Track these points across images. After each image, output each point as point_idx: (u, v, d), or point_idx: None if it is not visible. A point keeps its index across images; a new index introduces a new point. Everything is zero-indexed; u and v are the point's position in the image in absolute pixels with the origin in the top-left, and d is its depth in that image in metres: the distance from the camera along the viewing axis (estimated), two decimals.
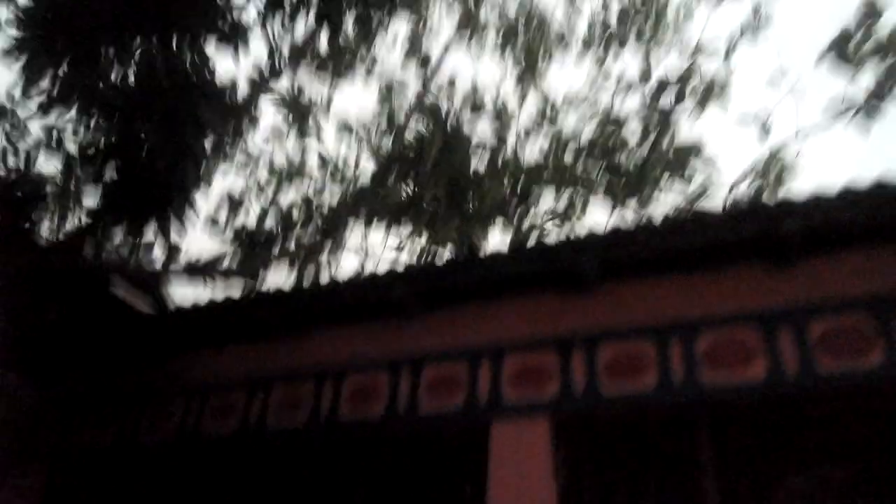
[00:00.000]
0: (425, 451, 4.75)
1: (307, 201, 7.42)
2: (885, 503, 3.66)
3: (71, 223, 5.54)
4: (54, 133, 5.42)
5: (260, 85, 6.40)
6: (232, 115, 4.92)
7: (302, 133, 7.55)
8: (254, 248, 6.56)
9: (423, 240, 7.24)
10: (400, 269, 4.99)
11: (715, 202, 6.35)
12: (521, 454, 4.29)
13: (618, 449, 4.36)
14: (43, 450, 5.76)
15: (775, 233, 4.15)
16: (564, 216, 6.86)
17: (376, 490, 4.76)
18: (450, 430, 4.62)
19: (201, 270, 5.89)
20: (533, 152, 6.90)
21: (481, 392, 4.59)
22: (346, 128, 7.70)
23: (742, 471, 4.02)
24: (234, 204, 7.19)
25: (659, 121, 6.22)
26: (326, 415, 4.98)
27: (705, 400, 4.10)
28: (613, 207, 6.52)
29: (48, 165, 5.83)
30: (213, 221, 7.31)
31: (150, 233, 4.94)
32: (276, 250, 6.70)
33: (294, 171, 7.68)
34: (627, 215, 6.65)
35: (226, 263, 6.30)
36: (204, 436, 5.26)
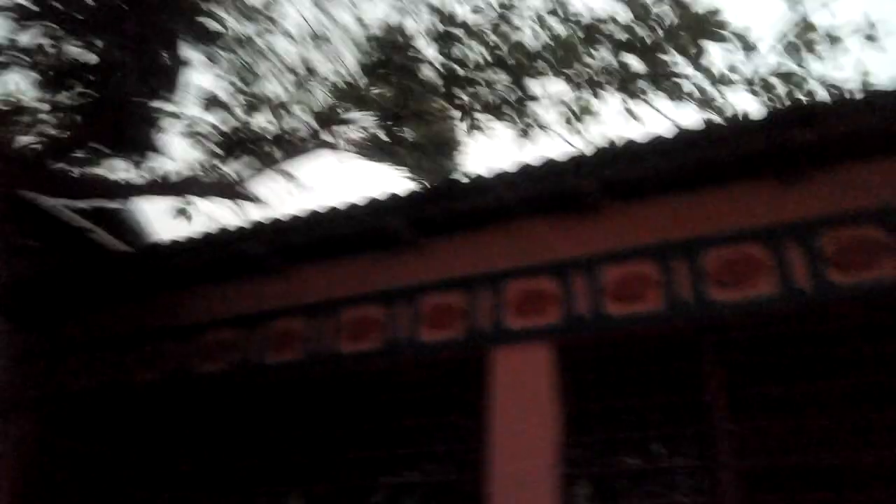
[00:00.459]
0: (425, 381, 4.64)
1: (289, 102, 6.89)
2: None
3: (41, 144, 5.22)
4: (22, 51, 5.05)
5: None
6: (204, 32, 4.60)
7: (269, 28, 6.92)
8: (234, 154, 6.18)
9: (418, 140, 6.92)
10: (392, 196, 4.79)
11: (737, 86, 5.69)
12: (523, 380, 4.21)
13: (623, 372, 4.26)
14: (33, 396, 5.63)
15: (784, 146, 3.97)
16: (574, 115, 6.35)
17: (376, 422, 4.67)
18: (450, 359, 4.52)
19: (177, 187, 5.56)
20: (538, 38, 6.18)
21: (481, 320, 4.48)
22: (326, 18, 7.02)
23: (751, 390, 3.93)
24: (210, 104, 6.64)
25: None
26: (321, 349, 4.86)
27: (712, 319, 4.00)
28: (627, 98, 5.96)
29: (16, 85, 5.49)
30: (192, 127, 6.78)
31: (124, 151, 4.65)
32: (259, 159, 6.24)
33: (272, 72, 7.11)
34: (641, 111, 6.03)
35: (206, 176, 5.94)
36: (196, 374, 5.15)
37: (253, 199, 6.08)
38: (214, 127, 6.43)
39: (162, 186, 5.46)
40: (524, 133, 6.55)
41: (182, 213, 6.97)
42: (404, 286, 4.81)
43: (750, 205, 4.15)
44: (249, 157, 6.23)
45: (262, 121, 6.79)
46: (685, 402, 4.05)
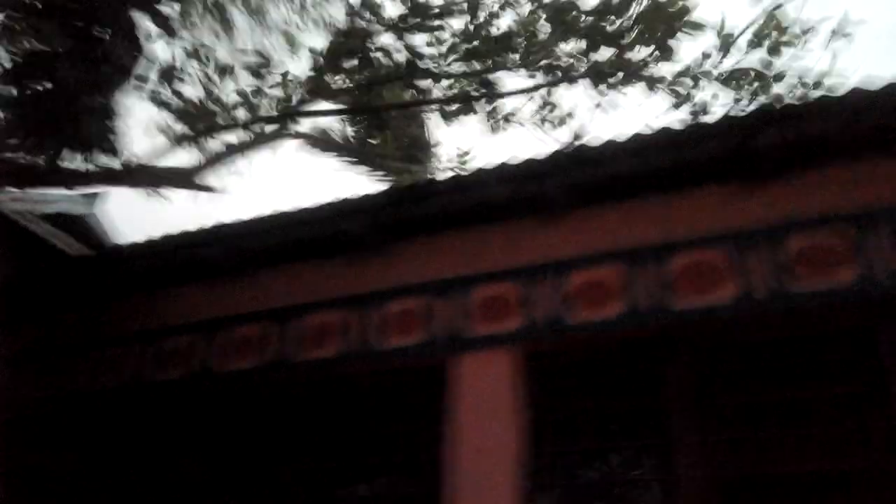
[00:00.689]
0: (384, 390, 4.55)
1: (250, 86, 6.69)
2: (861, 422, 3.56)
3: None
4: None
5: None
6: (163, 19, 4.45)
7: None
8: (196, 134, 6.00)
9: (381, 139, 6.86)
10: (356, 199, 4.68)
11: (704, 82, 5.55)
12: (484, 389, 4.12)
13: (587, 380, 4.19)
14: None
15: (746, 149, 3.92)
16: (544, 107, 6.23)
17: (334, 432, 4.57)
18: (410, 367, 4.41)
19: (133, 177, 5.33)
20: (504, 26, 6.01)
21: (444, 326, 4.37)
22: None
23: (716, 396, 3.88)
24: (169, 75, 6.37)
25: None
26: (280, 356, 4.75)
27: (678, 325, 3.93)
28: (599, 91, 5.83)
29: None
30: (154, 98, 6.52)
31: (77, 144, 4.44)
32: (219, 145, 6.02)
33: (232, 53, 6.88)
34: (614, 102, 5.89)
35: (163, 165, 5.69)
36: (154, 382, 5.01)
37: (211, 189, 5.89)
38: (177, 95, 6.20)
39: (117, 176, 5.24)
40: (494, 126, 6.44)
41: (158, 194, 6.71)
42: (367, 291, 4.70)
43: (715, 209, 4.09)
44: (211, 141, 6.00)
45: (223, 102, 6.64)
46: (650, 410, 3.99)
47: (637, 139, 4.09)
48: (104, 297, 5.52)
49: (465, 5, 5.84)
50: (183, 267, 5.16)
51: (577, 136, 6.32)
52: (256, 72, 6.58)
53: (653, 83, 5.78)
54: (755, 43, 5.48)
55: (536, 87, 6.07)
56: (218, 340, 4.95)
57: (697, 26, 5.21)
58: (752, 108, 4.96)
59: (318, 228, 4.80)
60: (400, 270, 4.69)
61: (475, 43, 5.80)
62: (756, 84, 5.42)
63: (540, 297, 4.23)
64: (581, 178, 4.23)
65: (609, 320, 4.05)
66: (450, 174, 7.40)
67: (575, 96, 6.15)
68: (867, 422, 3.56)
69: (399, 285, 4.62)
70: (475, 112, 6.32)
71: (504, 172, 4.33)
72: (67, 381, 5.38)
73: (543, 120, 6.46)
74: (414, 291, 4.57)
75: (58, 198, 8.85)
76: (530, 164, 4.27)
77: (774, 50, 5.47)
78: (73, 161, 4.50)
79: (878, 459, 3.44)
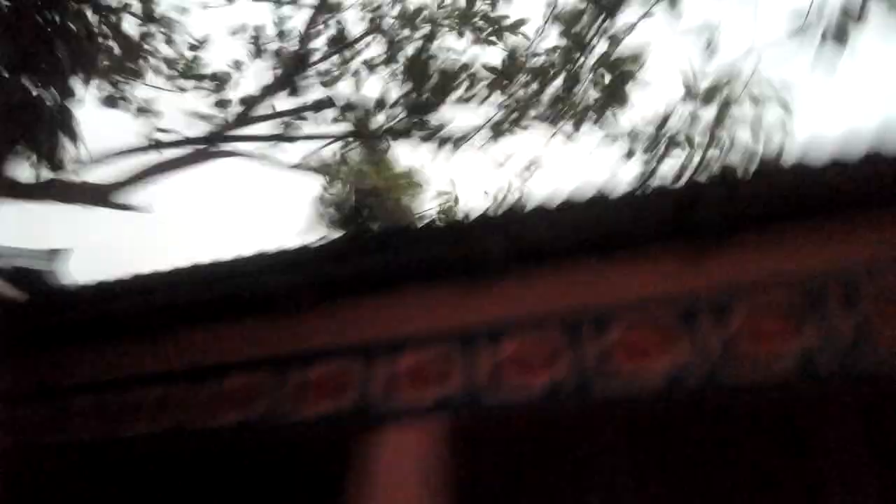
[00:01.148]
0: (304, 460, 4.20)
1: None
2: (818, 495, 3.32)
3: None
4: None
5: None
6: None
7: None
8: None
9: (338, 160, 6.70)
10: (277, 253, 4.37)
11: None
12: (410, 462, 3.79)
13: (524, 453, 3.91)
14: None
15: (689, 217, 3.72)
16: (496, 131, 6.04)
17: (250, 501, 4.20)
18: (328, 437, 4.08)
19: (42, 193, 4.91)
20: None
21: (365, 394, 4.07)
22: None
23: (659, 470, 3.62)
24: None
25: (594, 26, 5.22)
26: (199, 420, 4.38)
27: (617, 395, 3.66)
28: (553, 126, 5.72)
29: None
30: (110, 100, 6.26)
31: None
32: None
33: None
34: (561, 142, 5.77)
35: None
36: (49, 444, 4.60)
37: (131, 208, 5.50)
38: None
39: (24, 191, 4.83)
40: (443, 153, 6.23)
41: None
42: (288, 353, 4.38)
43: (661, 273, 3.87)
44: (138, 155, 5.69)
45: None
46: (588, 486, 3.71)
47: (581, 200, 3.86)
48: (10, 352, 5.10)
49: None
50: (92, 323, 4.78)
51: (530, 166, 6.24)
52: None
53: (609, 136, 5.65)
54: (708, 99, 5.36)
55: (478, 128, 5.91)
56: (124, 402, 4.57)
57: (643, 84, 5.09)
58: (698, 163, 4.81)
59: (239, 284, 4.48)
60: (323, 332, 4.38)
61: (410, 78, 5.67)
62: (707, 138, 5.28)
63: (470, 365, 3.96)
64: (523, 238, 3.98)
65: (547, 390, 3.78)
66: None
67: (526, 134, 6.01)
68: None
69: (321, 348, 4.32)
70: (420, 140, 6.16)
71: (434, 233, 4.08)
72: None
73: (491, 153, 6.31)
74: (336, 355, 4.26)
75: (16, 253, 8.41)
76: (462, 224, 4.02)
77: (727, 106, 5.36)
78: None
79: None
